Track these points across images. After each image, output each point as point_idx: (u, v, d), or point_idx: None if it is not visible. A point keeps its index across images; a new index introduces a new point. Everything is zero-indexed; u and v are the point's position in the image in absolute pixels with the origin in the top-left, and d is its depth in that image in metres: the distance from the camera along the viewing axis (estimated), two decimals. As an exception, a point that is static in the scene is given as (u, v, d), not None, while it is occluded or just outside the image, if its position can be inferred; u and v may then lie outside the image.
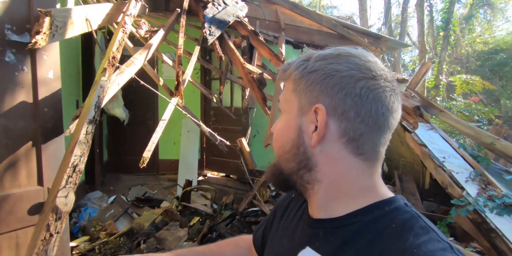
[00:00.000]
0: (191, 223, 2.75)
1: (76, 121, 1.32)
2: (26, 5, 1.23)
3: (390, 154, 4.29)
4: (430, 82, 6.82)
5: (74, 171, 1.01)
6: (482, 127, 4.41)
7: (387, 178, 4.54)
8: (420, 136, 2.38)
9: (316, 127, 0.46)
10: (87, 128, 1.14)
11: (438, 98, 6.18)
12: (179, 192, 3.61)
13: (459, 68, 13.52)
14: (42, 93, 1.32)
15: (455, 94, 6.58)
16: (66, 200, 0.93)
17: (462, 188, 1.85)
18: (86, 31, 1.60)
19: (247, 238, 0.72)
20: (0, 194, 1.22)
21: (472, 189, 1.83)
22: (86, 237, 2.29)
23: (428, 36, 13.16)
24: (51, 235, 0.83)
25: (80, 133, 1.13)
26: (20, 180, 1.29)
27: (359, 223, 0.45)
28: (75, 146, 1.05)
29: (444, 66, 6.46)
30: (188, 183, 3.23)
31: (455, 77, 6.79)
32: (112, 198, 3.45)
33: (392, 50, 6.66)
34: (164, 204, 3.34)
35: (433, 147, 2.22)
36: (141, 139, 3.44)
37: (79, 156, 1.03)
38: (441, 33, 6.43)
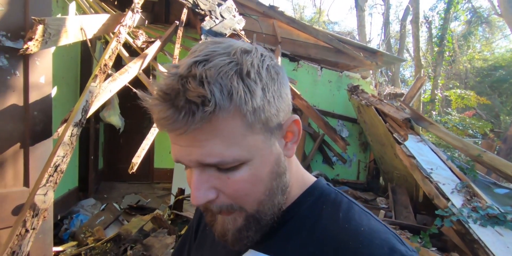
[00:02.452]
0: (182, 232, 2.73)
1: (64, 124, 1.37)
2: (22, 13, 1.31)
3: (385, 166, 4.29)
4: (426, 97, 6.91)
5: (55, 170, 1.04)
6: (477, 142, 4.44)
7: (383, 191, 4.53)
8: (410, 148, 2.41)
9: (287, 137, 0.43)
10: (72, 130, 1.18)
11: (434, 112, 6.24)
12: (172, 201, 3.61)
13: (458, 84, 13.66)
14: (33, 97, 1.37)
15: (449, 109, 6.63)
16: (44, 197, 0.95)
17: (448, 199, 1.85)
18: (81, 39, 1.67)
19: None
20: (-15, 194, 1.25)
21: (457, 200, 1.83)
22: (74, 243, 2.28)
23: (428, 52, 13.40)
24: (26, 230, 0.85)
25: (65, 135, 1.17)
26: (6, 180, 1.32)
27: (296, 215, 0.45)
28: (58, 147, 1.09)
29: (439, 81, 6.56)
30: (181, 191, 3.23)
31: (450, 92, 6.87)
32: (104, 205, 3.44)
33: (389, 64, 6.79)
34: (155, 213, 3.33)
35: (422, 158, 2.24)
36: (136, 147, 3.46)
37: (62, 156, 1.07)
38: (436, 49, 6.57)
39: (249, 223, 0.42)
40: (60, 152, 1.07)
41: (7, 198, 1.32)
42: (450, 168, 2.13)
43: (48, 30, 1.28)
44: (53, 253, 1.55)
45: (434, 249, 1.65)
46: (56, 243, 2.32)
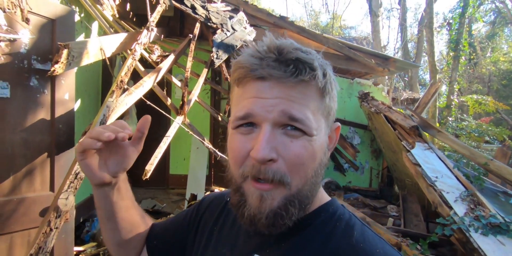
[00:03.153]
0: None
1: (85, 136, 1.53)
2: (49, 39, 1.50)
3: (398, 174, 4.25)
4: (442, 102, 6.76)
5: (76, 177, 1.19)
6: (494, 148, 4.28)
7: (397, 199, 4.46)
8: (416, 156, 2.42)
9: (329, 142, 0.47)
10: (91, 141, 1.33)
11: (450, 118, 6.09)
12: (186, 206, 3.75)
13: (481, 87, 13.17)
14: (59, 112, 1.55)
15: (465, 115, 6.42)
16: (66, 201, 1.10)
17: (450, 208, 1.86)
18: (101, 58, 1.86)
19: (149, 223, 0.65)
20: (18, 197, 1.43)
21: (460, 209, 1.83)
22: (94, 243, 2.45)
23: (449, 56, 13.06)
24: (51, 229, 1.00)
25: (85, 146, 1.33)
26: (35, 186, 1.50)
27: (309, 227, 0.46)
28: (78, 156, 1.24)
29: (455, 86, 6.41)
30: (194, 197, 3.37)
31: (467, 97, 6.66)
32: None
33: (402, 70, 6.72)
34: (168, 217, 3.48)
35: (427, 166, 2.25)
36: (152, 154, 3.65)
37: (81, 165, 1.22)
38: (452, 54, 6.45)
39: (289, 203, 0.41)
40: (80, 161, 1.23)
41: (35, 201, 1.49)
42: (456, 176, 2.13)
43: (72, 53, 1.46)
44: (74, 252, 1.71)
45: (433, 256, 1.67)
46: (78, 244, 2.51)
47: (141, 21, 3.55)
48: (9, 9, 1.03)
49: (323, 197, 0.50)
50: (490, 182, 2.47)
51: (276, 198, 0.41)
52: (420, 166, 2.25)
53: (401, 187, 4.04)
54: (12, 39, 1.21)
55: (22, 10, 1.09)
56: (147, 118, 0.54)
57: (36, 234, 1.09)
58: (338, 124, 0.49)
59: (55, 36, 1.48)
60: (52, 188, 1.56)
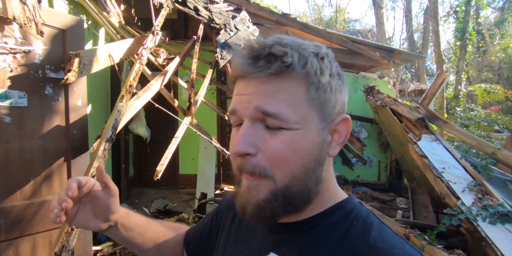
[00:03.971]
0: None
1: (99, 140, 1.60)
2: (61, 49, 1.57)
3: (407, 166, 4.24)
4: (450, 93, 6.65)
5: (92, 180, 1.26)
6: (503, 137, 4.23)
7: (406, 191, 4.46)
8: (423, 148, 2.43)
9: (334, 136, 0.44)
10: (105, 145, 1.40)
11: (458, 109, 6.01)
12: (196, 205, 3.83)
13: (491, 76, 12.88)
14: (73, 118, 1.63)
15: (473, 105, 6.31)
16: (85, 202, 1.17)
17: (458, 198, 1.87)
18: (109, 65, 1.93)
19: (184, 230, 0.68)
20: (38, 200, 1.51)
21: (467, 199, 1.84)
22: (110, 243, 2.55)
23: (456, 45, 12.79)
24: (72, 229, 1.07)
25: (99, 149, 1.40)
26: (53, 188, 1.58)
27: (324, 224, 0.45)
28: (94, 160, 1.31)
29: (463, 76, 6.30)
30: (204, 196, 3.45)
31: (475, 87, 6.55)
32: (135, 210, 3.75)
33: (408, 62, 6.64)
34: (179, 216, 3.57)
35: (434, 158, 2.26)
36: (162, 155, 3.74)
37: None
38: (458, 43, 6.33)
39: (273, 198, 0.41)
40: (95, 164, 1.30)
41: (55, 203, 1.57)
42: (463, 167, 2.14)
43: (83, 61, 1.53)
44: (92, 251, 1.80)
45: (440, 246, 1.68)
46: (94, 244, 2.61)
47: (145, 25, 3.62)
48: (25, 23, 1.10)
49: (339, 194, 0.48)
50: (498, 171, 2.46)
51: (262, 190, 0.41)
52: (427, 157, 2.26)
53: (410, 180, 4.03)
54: (27, 51, 1.28)
55: (36, 24, 1.15)
56: (99, 168, 0.57)
57: (59, 233, 1.16)
58: (345, 115, 0.45)
59: (66, 45, 1.55)
60: (70, 191, 1.64)
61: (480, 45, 11.53)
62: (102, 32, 2.86)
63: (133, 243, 0.62)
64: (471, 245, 2.15)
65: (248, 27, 4.14)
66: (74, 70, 1.48)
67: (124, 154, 3.89)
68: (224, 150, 2.71)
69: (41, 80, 1.49)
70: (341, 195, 0.48)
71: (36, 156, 1.49)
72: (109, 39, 2.84)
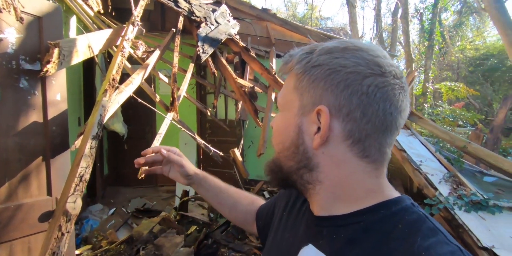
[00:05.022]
0: (189, 232, 2.87)
1: (81, 137, 1.49)
2: (37, 38, 1.43)
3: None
4: (418, 90, 7.09)
5: (81, 180, 1.18)
6: (468, 132, 4.60)
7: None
8: (401, 142, 2.55)
9: (319, 128, 0.44)
10: (91, 143, 1.31)
11: (426, 105, 6.43)
12: (177, 203, 3.74)
13: (450, 74, 13.87)
14: (51, 113, 1.50)
15: (440, 101, 6.82)
16: (74, 204, 1.09)
17: (436, 189, 2.00)
18: (89, 56, 1.80)
19: (259, 204, 0.78)
20: (15, 204, 1.38)
21: (444, 189, 1.98)
22: (89, 246, 2.42)
23: (420, 44, 13.60)
24: (62, 234, 0.99)
25: (85, 148, 1.30)
26: (31, 191, 1.45)
27: (364, 222, 0.43)
28: (81, 159, 1.22)
29: (430, 74, 6.73)
30: (185, 193, 3.38)
31: (441, 85, 7.07)
32: (113, 210, 3.58)
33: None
34: (163, 215, 3.47)
35: (412, 151, 2.39)
36: (140, 152, 3.59)
37: (85, 167, 1.20)
38: (426, 43, 6.73)
39: (274, 165, 0.51)
40: (83, 163, 1.21)
41: (33, 207, 1.45)
42: (438, 160, 2.28)
43: (63, 52, 1.41)
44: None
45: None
46: (73, 247, 2.46)
47: (120, 15, 3.42)
48: (4, 8, 0.98)
49: (388, 192, 0.46)
50: (467, 163, 2.67)
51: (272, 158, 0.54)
52: (405, 151, 2.39)
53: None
54: None
55: (15, 9, 1.03)
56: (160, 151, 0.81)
57: (45, 239, 1.08)
58: (319, 107, 0.43)
59: (42, 34, 1.42)
60: (49, 193, 1.52)
61: (442, 46, 12.36)
62: (74, 21, 2.66)
63: (210, 200, 0.82)
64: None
65: (229, 21, 4.06)
66: (54, 62, 1.35)
67: (98, 152, 3.69)
68: (210, 146, 2.66)
69: (15, 71, 1.35)
70: (391, 193, 0.46)
71: (12, 155, 1.36)
72: (82, 29, 2.65)
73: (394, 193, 0.47)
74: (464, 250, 0.39)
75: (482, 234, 1.63)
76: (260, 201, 0.80)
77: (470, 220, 1.73)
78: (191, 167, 0.80)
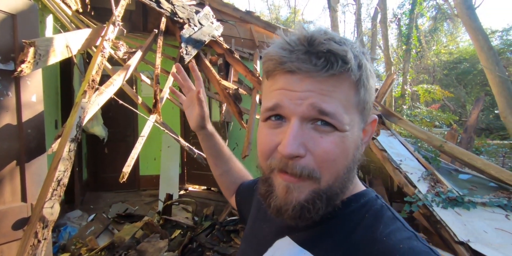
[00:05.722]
0: (173, 236, 2.82)
1: (59, 140, 1.44)
2: (10, 36, 1.37)
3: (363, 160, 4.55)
4: (397, 92, 7.36)
5: (58, 184, 1.13)
6: (444, 132, 4.83)
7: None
8: (381, 142, 2.63)
9: (363, 136, 0.45)
10: (70, 146, 1.26)
11: (405, 107, 6.70)
12: (160, 207, 3.66)
13: (427, 77, 14.47)
14: (26, 116, 1.43)
15: (418, 103, 7.14)
16: (52, 210, 1.04)
17: (415, 187, 2.08)
18: (67, 56, 1.74)
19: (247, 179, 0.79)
20: (-14, 211, 1.31)
21: (423, 187, 2.06)
22: (67, 254, 2.32)
23: (398, 48, 14.14)
24: (39, 241, 0.94)
25: (63, 150, 1.25)
26: (4, 197, 1.38)
27: (338, 216, 0.45)
28: (59, 162, 1.17)
29: (408, 77, 7.02)
30: (169, 197, 3.31)
31: (418, 87, 7.40)
32: (92, 216, 3.45)
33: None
34: (146, 219, 3.38)
35: (392, 151, 2.47)
36: (121, 156, 3.49)
37: (63, 171, 1.15)
38: (404, 47, 7.02)
39: (317, 197, 0.40)
40: (61, 167, 1.16)
41: (7, 214, 1.37)
42: (417, 159, 2.37)
43: (38, 51, 1.35)
44: (52, 264, 1.62)
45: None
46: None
47: (99, 15, 3.33)
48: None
49: (357, 187, 0.48)
50: (443, 161, 2.78)
51: (304, 191, 0.40)
52: (386, 151, 2.46)
53: (366, 172, 4.34)
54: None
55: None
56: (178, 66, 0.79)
57: (20, 247, 1.02)
58: (375, 117, 0.46)
59: (16, 33, 1.35)
60: (24, 198, 1.45)
61: (419, 50, 12.91)
62: (50, 20, 2.56)
63: (209, 157, 0.83)
64: (421, 229, 2.40)
65: (212, 23, 4.05)
66: (29, 61, 1.30)
67: (77, 156, 3.55)
68: (194, 149, 2.63)
69: (-13, 71, 1.29)
70: (359, 187, 0.49)
71: (-18, 160, 1.28)
72: (59, 28, 2.56)
73: (361, 186, 0.50)
74: (419, 235, 0.42)
75: (458, 229, 1.70)
76: (249, 178, 0.81)
77: (447, 216, 1.80)
78: (208, 119, 0.78)
